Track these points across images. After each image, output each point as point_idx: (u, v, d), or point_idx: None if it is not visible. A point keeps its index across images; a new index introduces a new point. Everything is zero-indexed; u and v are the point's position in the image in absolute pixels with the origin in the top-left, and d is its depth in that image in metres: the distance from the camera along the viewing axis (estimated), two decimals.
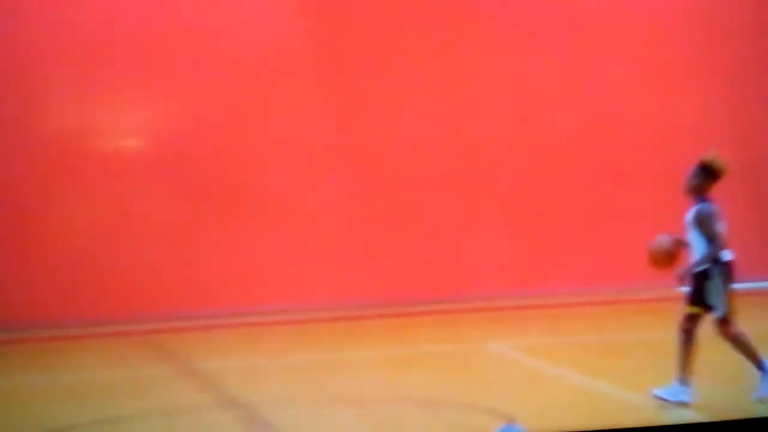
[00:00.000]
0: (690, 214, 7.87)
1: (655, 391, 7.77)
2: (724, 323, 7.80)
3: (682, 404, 7.66)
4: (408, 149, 13.53)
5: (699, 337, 7.78)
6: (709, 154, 7.86)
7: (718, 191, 7.83)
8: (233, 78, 13.02)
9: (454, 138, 13.68)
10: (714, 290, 7.75)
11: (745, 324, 7.81)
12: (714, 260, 7.77)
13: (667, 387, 7.74)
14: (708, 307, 7.80)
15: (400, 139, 13.53)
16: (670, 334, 7.89)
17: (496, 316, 12.74)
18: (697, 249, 7.82)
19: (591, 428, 6.59)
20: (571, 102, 13.82)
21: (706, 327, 7.81)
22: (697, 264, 7.77)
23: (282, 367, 10.17)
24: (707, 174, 7.86)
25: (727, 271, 7.80)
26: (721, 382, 8.31)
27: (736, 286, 7.80)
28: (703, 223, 7.75)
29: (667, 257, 7.87)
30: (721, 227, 7.80)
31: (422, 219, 13.39)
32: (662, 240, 7.95)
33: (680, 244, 7.90)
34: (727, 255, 7.84)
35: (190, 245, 12.75)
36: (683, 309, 7.87)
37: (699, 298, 7.81)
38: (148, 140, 13.09)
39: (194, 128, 13.00)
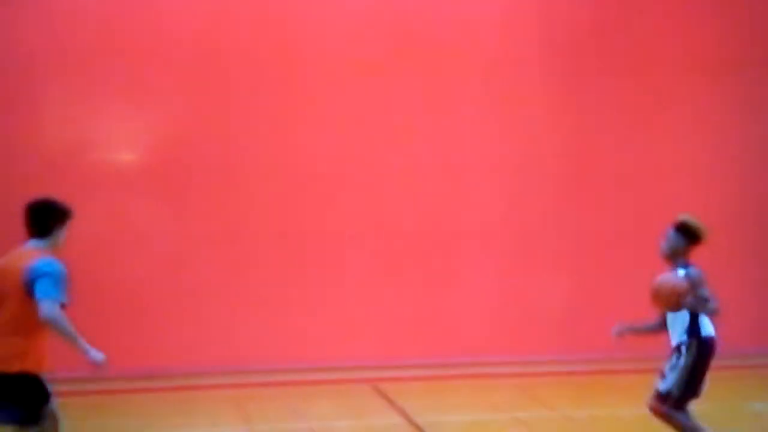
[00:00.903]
0: None
1: None
2: (662, 399, 7.28)
3: None
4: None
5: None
6: (686, 216, 7.45)
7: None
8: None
9: None
10: (677, 363, 7.24)
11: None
12: (695, 334, 7.23)
13: None
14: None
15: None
16: None
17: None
18: (678, 320, 7.29)
19: None
20: None
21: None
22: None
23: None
24: (687, 237, 7.39)
25: (704, 348, 7.25)
26: None
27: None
28: (697, 288, 7.17)
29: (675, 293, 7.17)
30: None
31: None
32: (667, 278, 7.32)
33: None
34: (709, 329, 7.32)
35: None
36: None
37: None
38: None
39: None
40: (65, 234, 6.51)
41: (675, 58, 13.27)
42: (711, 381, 7.39)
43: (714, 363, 7.34)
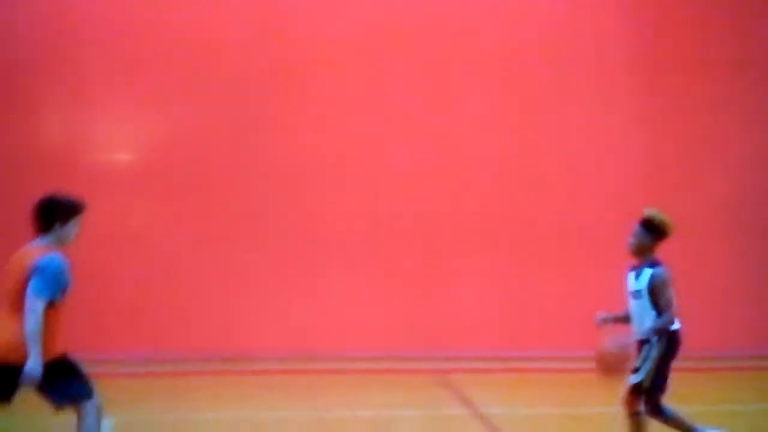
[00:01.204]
0: (640, 280, 7.24)
1: None
2: (634, 393, 7.20)
3: None
4: None
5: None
6: (651, 211, 7.26)
7: None
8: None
9: None
10: (648, 356, 7.13)
11: None
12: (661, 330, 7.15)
13: None
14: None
15: None
16: None
17: None
18: (645, 317, 7.18)
19: None
20: None
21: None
22: (645, 333, 7.10)
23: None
24: (652, 232, 7.23)
25: (672, 341, 7.17)
26: None
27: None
28: (658, 291, 7.11)
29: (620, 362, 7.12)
30: (673, 293, 7.14)
31: None
32: (612, 344, 7.19)
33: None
34: (675, 324, 7.21)
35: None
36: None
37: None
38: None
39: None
40: (75, 228, 6.51)
41: (675, 58, 13.26)
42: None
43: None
